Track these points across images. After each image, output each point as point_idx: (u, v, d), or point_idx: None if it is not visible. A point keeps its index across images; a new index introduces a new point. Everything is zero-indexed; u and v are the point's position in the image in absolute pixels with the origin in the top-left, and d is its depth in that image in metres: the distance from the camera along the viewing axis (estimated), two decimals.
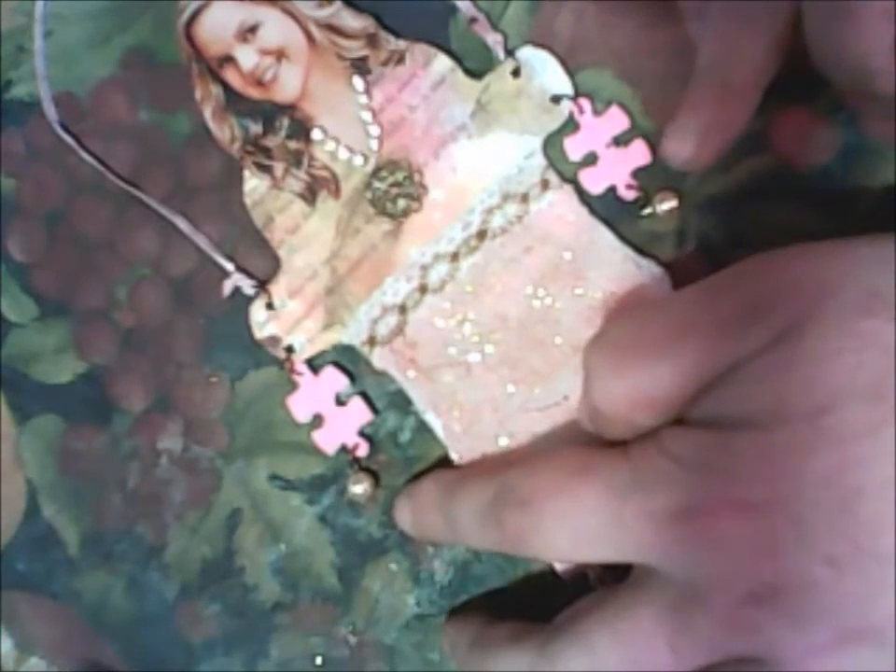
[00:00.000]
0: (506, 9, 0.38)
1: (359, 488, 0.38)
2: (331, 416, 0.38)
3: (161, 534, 0.39)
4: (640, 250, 0.37)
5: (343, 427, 0.38)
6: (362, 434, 0.38)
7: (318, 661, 0.39)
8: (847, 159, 0.36)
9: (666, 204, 0.37)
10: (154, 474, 0.39)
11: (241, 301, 0.38)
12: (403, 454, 0.38)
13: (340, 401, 0.38)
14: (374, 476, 0.38)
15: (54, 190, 0.39)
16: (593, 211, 0.37)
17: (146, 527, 0.39)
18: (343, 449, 0.38)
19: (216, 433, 0.39)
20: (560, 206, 0.37)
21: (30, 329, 0.39)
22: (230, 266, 0.38)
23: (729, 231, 0.37)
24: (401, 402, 0.38)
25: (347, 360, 0.38)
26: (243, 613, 0.39)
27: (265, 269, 0.38)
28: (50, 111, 0.39)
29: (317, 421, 0.38)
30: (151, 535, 0.39)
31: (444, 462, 0.38)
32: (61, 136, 0.39)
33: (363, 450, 0.38)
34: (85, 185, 0.39)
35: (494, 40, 0.37)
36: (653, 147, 0.37)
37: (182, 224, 0.38)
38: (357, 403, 0.38)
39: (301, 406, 0.38)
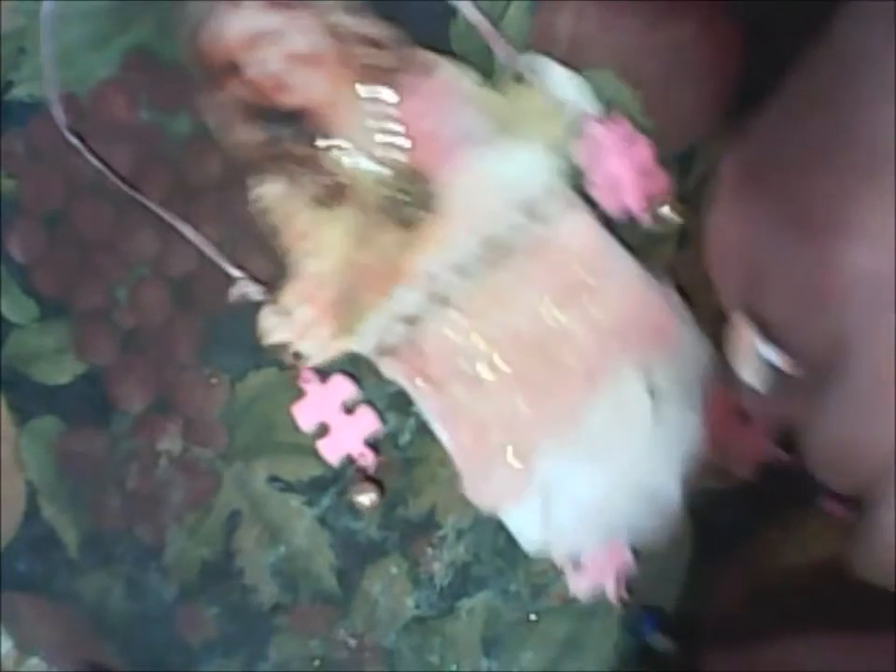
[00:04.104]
0: (506, 9, 0.38)
1: (365, 498, 0.38)
2: (337, 425, 0.38)
3: (161, 535, 0.39)
4: (653, 269, 0.37)
5: (348, 436, 0.38)
6: (368, 444, 0.38)
7: (317, 663, 0.39)
8: None
9: (666, 207, 0.37)
10: (153, 475, 0.39)
11: (241, 302, 0.38)
12: (403, 455, 0.38)
13: (347, 409, 0.38)
14: (379, 486, 0.38)
15: (55, 191, 0.39)
16: (611, 231, 0.37)
17: (145, 529, 0.39)
18: (348, 458, 0.38)
19: (215, 434, 0.39)
20: (578, 225, 0.37)
21: (30, 329, 0.39)
22: (236, 272, 0.38)
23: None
24: (402, 404, 0.38)
25: (353, 366, 0.38)
26: (242, 615, 0.39)
27: (267, 270, 0.38)
28: (58, 113, 0.38)
29: (322, 430, 0.38)
30: (150, 536, 0.39)
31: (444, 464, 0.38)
32: (67, 138, 0.38)
33: (368, 459, 0.38)
34: (85, 186, 0.39)
35: (512, 58, 0.37)
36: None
37: (187, 230, 0.38)
38: (364, 412, 0.38)
39: (306, 414, 0.38)
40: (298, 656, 0.39)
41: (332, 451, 0.38)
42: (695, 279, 0.37)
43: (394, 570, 0.38)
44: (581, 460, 0.37)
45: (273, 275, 0.38)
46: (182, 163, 0.39)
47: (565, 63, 0.37)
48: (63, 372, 0.39)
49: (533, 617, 0.38)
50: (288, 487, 0.38)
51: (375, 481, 0.38)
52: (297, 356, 0.38)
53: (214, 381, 0.39)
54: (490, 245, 0.37)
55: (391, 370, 0.38)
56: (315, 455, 0.38)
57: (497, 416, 0.37)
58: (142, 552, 0.39)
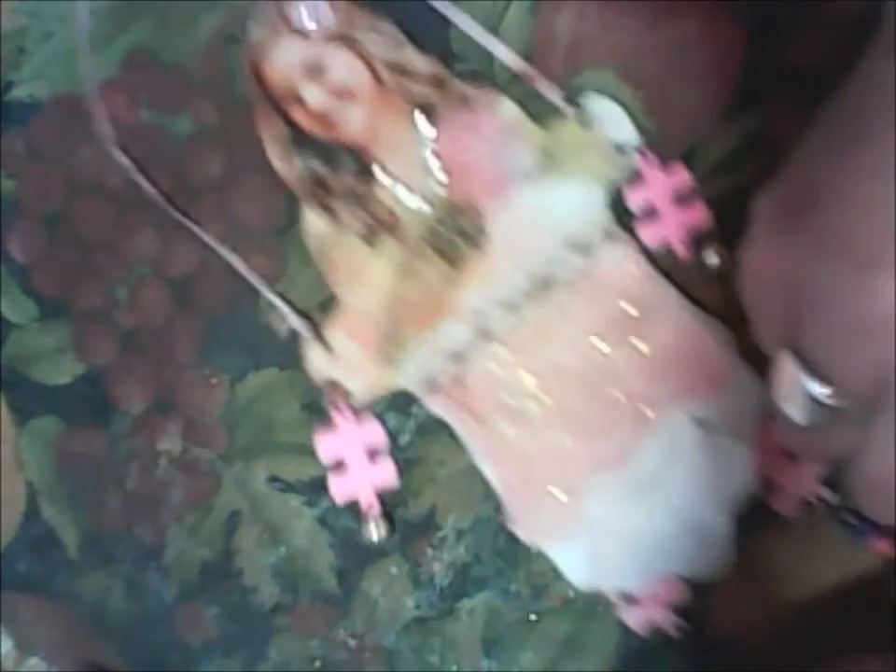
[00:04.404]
0: (506, 10, 0.38)
1: (374, 533, 0.38)
2: (356, 469, 0.38)
3: (160, 535, 0.39)
4: (703, 306, 0.37)
5: (363, 483, 0.38)
6: (378, 496, 0.38)
7: (317, 664, 0.39)
8: None
9: (711, 253, 0.37)
10: (153, 475, 0.39)
11: (241, 302, 0.38)
12: (402, 455, 0.38)
13: (370, 456, 0.38)
14: (390, 520, 0.38)
15: (55, 191, 0.39)
16: (655, 264, 0.37)
17: (145, 529, 0.39)
18: (355, 504, 0.38)
19: (215, 434, 0.39)
20: (623, 258, 0.37)
21: (30, 329, 0.39)
22: (284, 307, 0.38)
23: (730, 231, 0.37)
24: (402, 404, 0.38)
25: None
26: (242, 615, 0.39)
27: (267, 269, 0.38)
28: (105, 128, 0.38)
29: (339, 467, 0.38)
30: (150, 536, 0.39)
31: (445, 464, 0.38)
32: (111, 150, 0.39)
33: (375, 510, 0.38)
34: (85, 186, 0.39)
35: (551, 91, 0.37)
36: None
37: (241, 266, 0.38)
38: (386, 464, 0.38)
39: (329, 446, 0.38)
40: (298, 656, 0.39)
41: (342, 491, 0.38)
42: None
43: (394, 571, 0.38)
44: (630, 495, 0.37)
45: (274, 276, 0.38)
46: (182, 163, 0.39)
47: (565, 63, 0.37)
48: (62, 373, 0.39)
49: (533, 617, 0.38)
50: (288, 487, 0.38)
51: (386, 514, 0.38)
52: (343, 392, 0.38)
53: (214, 381, 0.39)
54: (535, 280, 0.37)
55: (438, 407, 0.37)
56: (316, 455, 0.38)
57: (544, 452, 0.37)
58: (142, 552, 0.39)
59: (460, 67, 0.38)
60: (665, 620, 0.37)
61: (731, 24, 0.37)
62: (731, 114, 0.37)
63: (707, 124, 0.37)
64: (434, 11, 0.38)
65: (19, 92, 0.39)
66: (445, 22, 0.38)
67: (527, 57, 0.37)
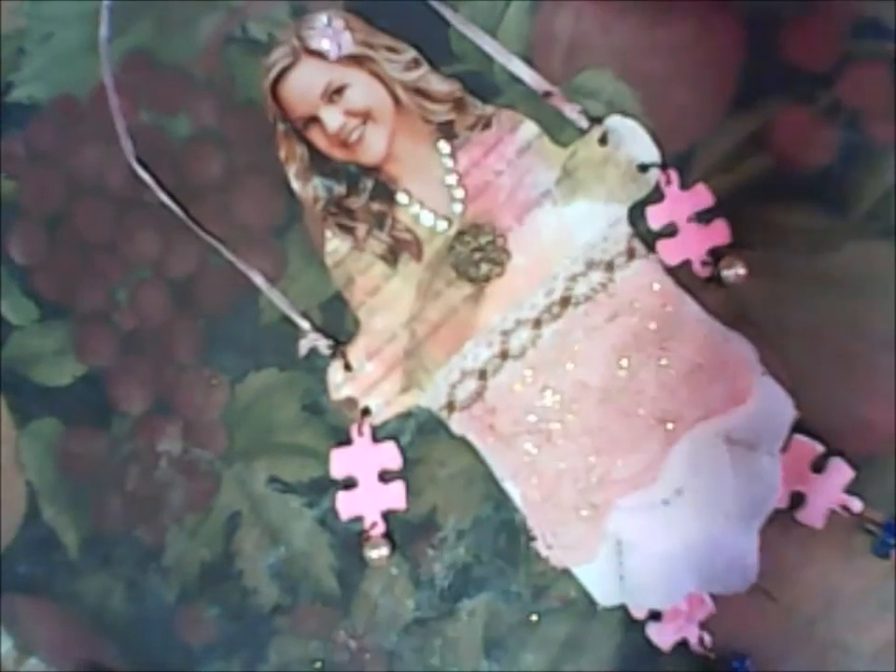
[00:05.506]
0: (506, 10, 0.38)
1: (376, 553, 0.37)
2: (367, 487, 0.38)
3: (160, 537, 0.39)
4: (725, 322, 0.37)
5: (371, 502, 0.38)
6: (384, 516, 0.38)
7: (317, 665, 0.38)
8: (846, 159, 0.36)
9: (731, 271, 0.37)
10: (153, 477, 0.39)
11: (241, 303, 0.38)
12: (403, 455, 0.38)
13: (382, 478, 0.38)
14: (391, 541, 0.38)
15: (55, 193, 0.39)
16: (676, 281, 0.37)
17: (145, 530, 0.39)
18: (358, 519, 0.38)
19: (215, 435, 0.39)
20: (645, 276, 0.37)
21: (30, 331, 0.39)
22: (305, 325, 0.38)
23: (729, 230, 0.37)
24: None
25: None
26: (242, 617, 0.39)
27: (269, 269, 0.38)
28: (127, 145, 0.39)
29: (350, 483, 0.38)
30: (150, 538, 0.39)
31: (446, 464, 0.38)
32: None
33: (378, 530, 0.38)
34: (85, 187, 0.39)
35: (571, 110, 0.37)
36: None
37: (258, 279, 0.38)
38: (397, 487, 0.38)
39: (343, 462, 0.38)
40: (298, 658, 0.38)
41: (349, 507, 0.38)
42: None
43: (394, 571, 0.38)
44: (655, 512, 0.37)
45: (275, 276, 0.38)
46: (182, 164, 0.39)
47: (565, 63, 0.37)
48: (63, 374, 0.39)
49: (534, 618, 0.38)
50: (288, 488, 0.38)
51: (387, 536, 0.38)
52: (365, 411, 0.38)
53: (214, 382, 0.39)
54: (557, 298, 0.37)
55: (461, 426, 0.38)
56: (316, 456, 0.38)
57: (567, 470, 0.37)
58: (142, 553, 0.39)
59: (460, 68, 0.38)
60: (692, 635, 0.37)
61: (730, 24, 0.37)
62: (730, 113, 0.37)
63: (706, 124, 0.37)
64: (434, 11, 0.38)
65: (19, 94, 0.39)
66: (445, 23, 0.38)
67: (527, 57, 0.38)
